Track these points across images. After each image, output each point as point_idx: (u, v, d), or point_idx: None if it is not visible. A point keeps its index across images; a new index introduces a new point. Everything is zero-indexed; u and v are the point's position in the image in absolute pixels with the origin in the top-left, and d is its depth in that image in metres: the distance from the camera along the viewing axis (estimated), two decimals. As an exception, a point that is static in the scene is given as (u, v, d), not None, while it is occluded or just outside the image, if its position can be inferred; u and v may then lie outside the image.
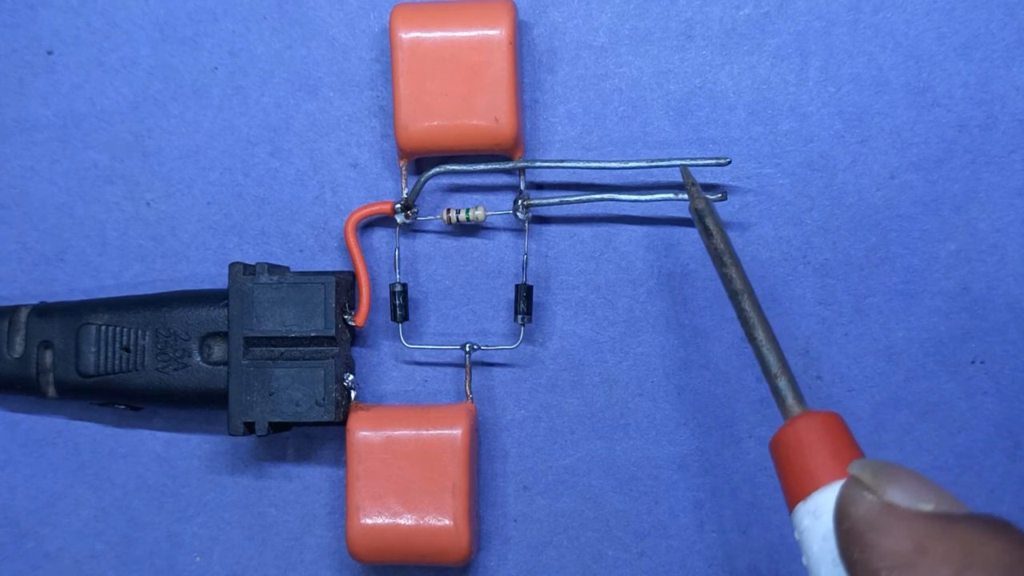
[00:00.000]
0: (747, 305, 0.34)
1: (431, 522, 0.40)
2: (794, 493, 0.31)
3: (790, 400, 0.33)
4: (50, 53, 0.44)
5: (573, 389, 0.42)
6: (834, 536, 0.29)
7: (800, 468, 0.31)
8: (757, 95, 0.41)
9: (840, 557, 0.29)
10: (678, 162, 0.40)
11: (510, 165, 0.41)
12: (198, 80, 0.43)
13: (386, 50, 0.42)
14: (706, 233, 0.36)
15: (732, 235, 0.41)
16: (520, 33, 0.41)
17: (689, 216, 0.41)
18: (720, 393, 0.42)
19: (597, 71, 0.42)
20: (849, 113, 0.41)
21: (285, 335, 0.40)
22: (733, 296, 0.34)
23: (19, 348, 0.42)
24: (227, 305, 0.41)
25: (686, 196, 0.40)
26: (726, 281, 0.35)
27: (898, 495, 0.28)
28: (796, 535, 0.31)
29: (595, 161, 0.41)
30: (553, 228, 0.42)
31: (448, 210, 0.42)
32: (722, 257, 0.35)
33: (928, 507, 0.28)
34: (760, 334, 0.34)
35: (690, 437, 0.42)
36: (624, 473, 0.42)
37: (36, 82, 0.44)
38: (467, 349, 0.42)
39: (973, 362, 0.41)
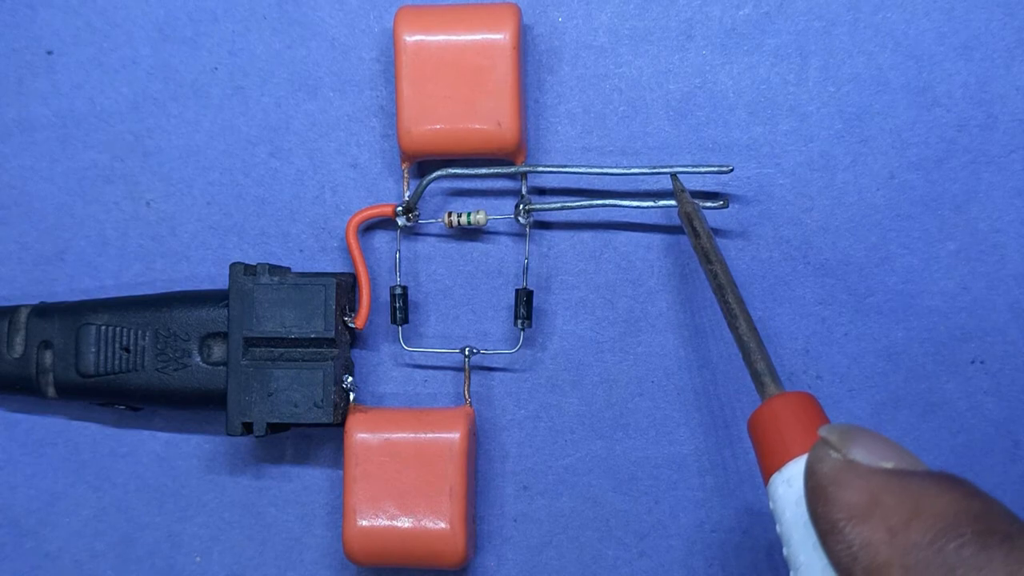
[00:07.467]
0: (730, 298, 0.37)
1: (428, 525, 0.40)
2: (769, 465, 0.33)
3: (767, 382, 0.35)
4: (50, 53, 0.44)
5: (573, 389, 0.42)
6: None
7: (775, 442, 0.33)
8: (757, 95, 0.41)
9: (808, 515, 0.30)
10: (680, 169, 0.40)
11: (512, 170, 0.41)
12: (198, 80, 0.43)
13: (386, 50, 0.42)
14: (694, 234, 0.38)
15: (732, 236, 0.41)
16: (521, 34, 0.41)
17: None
18: (720, 393, 0.42)
19: (597, 71, 0.42)
20: (849, 113, 0.41)
21: (285, 336, 0.40)
22: (718, 290, 0.37)
23: (19, 348, 0.42)
24: (227, 305, 0.41)
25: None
26: (711, 277, 0.37)
27: (860, 453, 0.30)
28: (771, 505, 0.33)
29: (597, 167, 0.41)
30: (554, 230, 0.42)
31: (449, 214, 0.42)
32: (708, 256, 0.38)
33: (888, 464, 0.30)
34: (741, 323, 0.36)
35: (690, 437, 0.42)
36: (624, 473, 0.42)
37: (36, 82, 0.44)
38: (466, 353, 0.42)
39: (973, 362, 0.41)
